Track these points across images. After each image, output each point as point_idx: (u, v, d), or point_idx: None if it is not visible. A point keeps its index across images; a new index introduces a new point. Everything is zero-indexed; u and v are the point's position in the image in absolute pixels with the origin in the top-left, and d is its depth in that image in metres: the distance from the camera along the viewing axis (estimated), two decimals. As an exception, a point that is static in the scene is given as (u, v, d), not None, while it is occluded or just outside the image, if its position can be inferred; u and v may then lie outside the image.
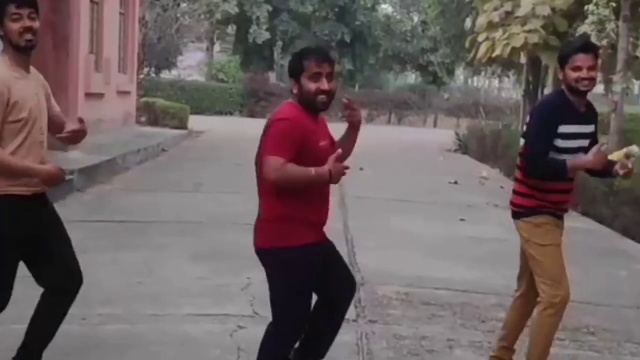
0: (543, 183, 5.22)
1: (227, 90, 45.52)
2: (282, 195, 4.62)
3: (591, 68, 4.93)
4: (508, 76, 42.08)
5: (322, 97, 4.42)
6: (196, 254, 9.25)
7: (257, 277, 8.09)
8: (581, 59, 4.91)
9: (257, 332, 6.55)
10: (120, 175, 16.02)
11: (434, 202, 14.57)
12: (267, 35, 48.44)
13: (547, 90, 25.59)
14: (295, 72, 4.46)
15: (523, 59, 25.13)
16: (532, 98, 26.77)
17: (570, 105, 5.06)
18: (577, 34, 21.02)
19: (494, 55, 22.77)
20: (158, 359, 5.94)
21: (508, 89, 49.95)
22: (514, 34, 21.27)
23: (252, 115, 43.14)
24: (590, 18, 19.51)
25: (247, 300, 7.43)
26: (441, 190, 16.37)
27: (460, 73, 52.87)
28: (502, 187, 17.61)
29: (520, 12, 20.79)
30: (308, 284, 4.76)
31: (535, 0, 19.52)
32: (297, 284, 4.72)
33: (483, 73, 46.46)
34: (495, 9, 21.91)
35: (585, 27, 20.25)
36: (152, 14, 29.07)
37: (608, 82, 23.17)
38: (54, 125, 4.99)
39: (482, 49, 22.88)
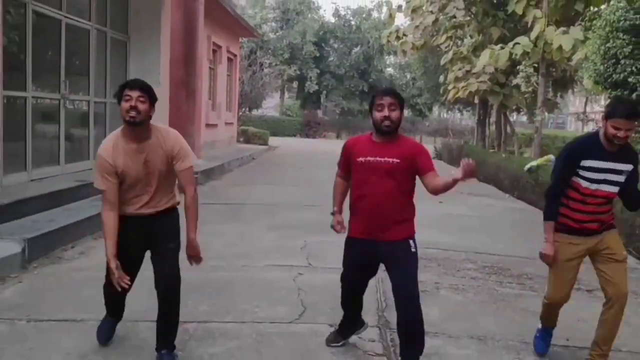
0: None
1: (292, 121, 45.30)
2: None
3: (628, 130, 3.92)
4: (468, 110, 41.32)
5: (386, 122, 3.82)
6: (271, 225, 8.81)
7: (311, 240, 7.79)
8: (622, 123, 3.90)
9: (311, 277, 6.26)
10: (226, 175, 15.59)
11: (420, 190, 13.84)
12: (316, 87, 47.96)
13: (492, 119, 25.07)
14: (370, 108, 3.92)
15: (477, 100, 24.45)
16: (482, 124, 26.37)
17: (599, 145, 4.06)
18: (512, 84, 20.58)
19: (457, 97, 22.34)
20: (247, 295, 5.52)
21: (467, 119, 49.11)
22: (470, 84, 20.78)
23: (307, 136, 43.30)
24: (520, 74, 19.30)
25: (304, 256, 7.02)
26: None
27: (436, 109, 51.95)
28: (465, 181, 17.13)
29: (474, 70, 20.28)
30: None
31: (485, 62, 18.95)
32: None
33: (451, 109, 45.87)
34: (459, 69, 21.43)
35: (517, 80, 19.88)
36: (246, 74, 28.77)
37: (532, 115, 22.74)
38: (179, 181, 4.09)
39: (451, 94, 22.35)
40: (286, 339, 4.51)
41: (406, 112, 55.79)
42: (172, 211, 4.16)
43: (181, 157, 3.94)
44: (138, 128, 3.83)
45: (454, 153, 23.88)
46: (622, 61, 12.38)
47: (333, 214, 4.24)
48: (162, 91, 12.57)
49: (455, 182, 3.64)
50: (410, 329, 3.88)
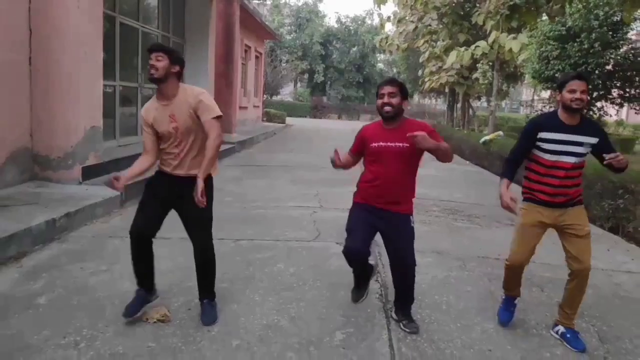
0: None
1: (303, 105, 45.23)
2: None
3: (583, 92, 3.46)
4: (440, 97, 41.37)
5: (386, 108, 3.44)
6: (292, 180, 9.43)
7: (322, 190, 8.47)
8: (576, 84, 3.46)
9: (323, 214, 6.85)
10: (256, 145, 16.19)
11: None
12: (322, 78, 47.96)
13: (459, 105, 25.37)
14: (376, 96, 3.56)
15: (447, 90, 24.63)
16: (451, 108, 26.50)
17: (557, 120, 3.54)
18: (473, 77, 20.88)
19: (432, 87, 22.56)
20: (278, 224, 6.20)
21: (440, 104, 48.98)
22: (442, 77, 21.00)
23: (314, 117, 43.21)
24: (479, 70, 19.52)
25: (317, 200, 7.66)
26: None
27: (416, 97, 51.94)
28: (435, 151, 17.65)
29: (445, 66, 20.45)
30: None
31: (453, 60, 19.21)
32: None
33: (427, 97, 45.78)
34: (434, 65, 21.63)
35: (477, 74, 20.15)
36: (269, 68, 29.12)
37: (488, 101, 22.92)
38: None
39: (427, 84, 22.56)
40: (307, 250, 5.23)
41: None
42: (206, 180, 3.50)
43: (204, 109, 3.37)
44: (163, 85, 3.38)
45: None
46: (552, 62, 12.96)
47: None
48: (209, 81, 13.18)
49: (429, 150, 3.37)
50: (408, 284, 3.65)
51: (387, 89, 3.46)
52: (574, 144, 3.53)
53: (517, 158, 3.70)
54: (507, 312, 3.85)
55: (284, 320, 3.62)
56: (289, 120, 30.09)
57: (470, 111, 24.00)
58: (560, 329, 3.66)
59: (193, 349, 3.16)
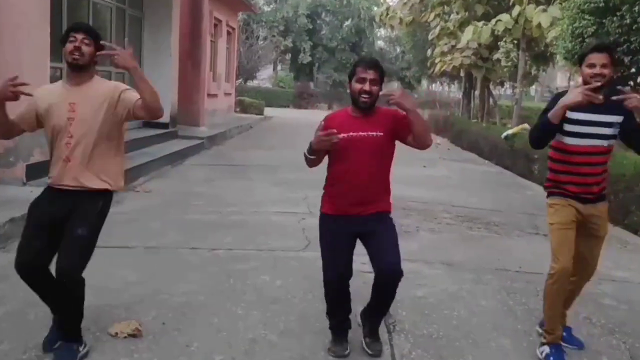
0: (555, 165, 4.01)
1: (285, 93, 45.53)
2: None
3: (604, 66, 3.64)
4: (454, 83, 41.94)
5: (364, 97, 3.61)
6: (275, 182, 9.84)
7: (311, 193, 8.76)
8: (595, 57, 3.66)
9: (313, 221, 7.10)
10: (229, 140, 16.59)
11: (409, 156, 14.61)
12: (309, 59, 48.33)
13: (477, 92, 25.85)
14: (350, 76, 3.72)
15: (462, 73, 25.01)
16: (467, 96, 26.96)
17: None
18: (494, 58, 21.32)
19: (443, 70, 22.98)
20: (261, 232, 6.60)
21: (454, 92, 49.50)
22: (455, 58, 21.40)
23: (299, 107, 43.31)
24: (501, 49, 19.85)
25: (305, 205, 8.02)
26: (412, 149, 16.40)
27: (424, 82, 52.44)
28: (448, 149, 18.09)
29: (459, 46, 20.82)
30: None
31: (469, 38, 19.63)
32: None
33: (438, 82, 46.29)
34: (445, 44, 22.04)
35: (498, 55, 20.54)
36: (244, 47, 29.49)
37: (513, 88, 23.33)
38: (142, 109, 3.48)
39: (437, 67, 22.98)
40: (296, 261, 5.61)
41: (395, 85, 56.55)
42: (100, 193, 3.54)
43: (131, 92, 3.53)
44: (82, 73, 3.50)
45: (440, 123, 24.81)
46: (587, 40, 13.38)
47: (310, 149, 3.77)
48: (172, 62, 13.54)
49: (405, 110, 3.53)
50: (386, 301, 3.81)
51: (371, 75, 3.61)
52: (602, 124, 3.76)
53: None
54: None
55: (272, 334, 3.99)
56: (267, 111, 30.39)
57: (491, 100, 24.46)
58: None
59: (171, 365, 3.52)
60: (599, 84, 3.67)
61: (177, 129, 13.80)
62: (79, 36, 3.46)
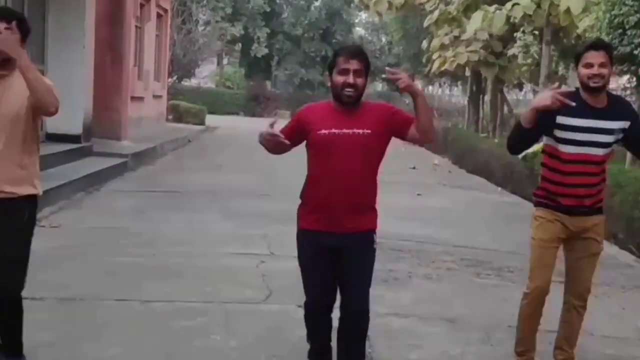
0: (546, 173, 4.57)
1: (233, 95, 45.74)
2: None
3: (602, 65, 4.17)
4: (456, 85, 42.41)
5: (348, 91, 3.98)
6: (225, 214, 10.04)
7: (272, 230, 8.98)
8: (592, 56, 4.20)
9: (275, 264, 7.40)
10: (161, 159, 16.81)
11: (400, 180, 14.66)
12: (265, 51, 48.65)
13: (487, 97, 26.20)
14: (329, 67, 4.10)
15: (468, 73, 25.44)
16: (474, 103, 27.25)
17: (580, 101, 4.27)
18: (509, 54, 21.65)
19: (444, 69, 23.33)
20: (209, 279, 6.80)
21: (457, 96, 49.92)
22: (459, 53, 21.65)
23: (253, 114, 43.19)
24: (519, 42, 20.10)
25: (265, 245, 8.25)
26: (404, 173, 16.68)
27: (418, 83, 52.93)
28: (450, 172, 18.46)
29: (464, 37, 21.04)
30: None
31: (477, 27, 19.82)
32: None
33: (437, 83, 46.70)
34: (446, 34, 22.32)
35: (515, 49, 20.84)
36: (179, 35, 29.62)
37: (534, 91, 23.59)
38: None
39: (436, 64, 23.22)
40: (256, 316, 5.80)
41: (379, 87, 57.03)
42: (22, 201, 4.02)
43: None
44: (6, 65, 3.94)
45: (439, 138, 25.06)
46: (629, 32, 13.70)
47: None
48: (87, 54, 13.67)
49: (415, 95, 4.03)
50: (356, 349, 4.27)
51: (355, 65, 4.01)
52: (601, 131, 4.29)
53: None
54: None
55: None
56: (211, 119, 30.40)
57: (505, 107, 24.71)
58: None
59: None
60: (573, 90, 4.36)
61: (92, 144, 13.95)
62: (1, 26, 3.83)
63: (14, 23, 3.85)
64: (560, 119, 4.26)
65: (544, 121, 4.28)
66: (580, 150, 4.30)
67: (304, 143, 4.25)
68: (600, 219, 4.55)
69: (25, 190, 3.99)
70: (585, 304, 4.70)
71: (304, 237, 4.28)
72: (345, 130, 4.01)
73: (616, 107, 4.33)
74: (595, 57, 4.22)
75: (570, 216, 4.42)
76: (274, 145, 4.11)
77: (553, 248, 4.51)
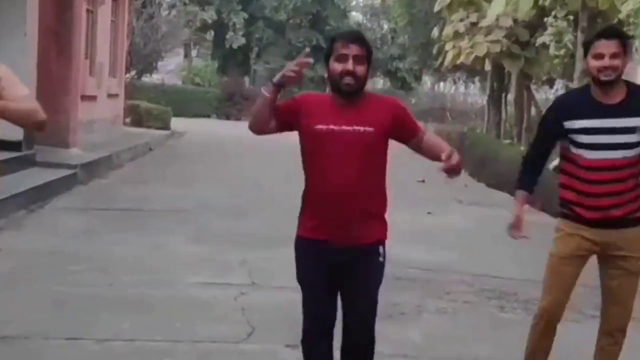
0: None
1: (204, 94, 45.73)
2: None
3: (614, 56, 4.30)
4: (473, 82, 42.55)
5: (347, 79, 4.14)
6: (194, 237, 10.03)
7: (252, 256, 9.03)
8: (602, 46, 4.33)
9: (258, 296, 7.43)
10: (116, 171, 16.78)
11: (405, 197, 14.53)
12: (243, 41, 48.72)
13: (510, 96, 26.23)
14: (325, 56, 4.31)
15: (488, 66, 25.53)
16: (496, 103, 27.40)
17: (591, 100, 4.51)
18: (537, 44, 21.76)
19: (459, 62, 23.46)
20: (177, 313, 6.81)
21: (474, 95, 50.02)
22: (478, 43, 21.86)
23: (227, 117, 43.63)
24: (550, 30, 20.26)
25: (245, 273, 8.26)
26: (411, 187, 16.88)
27: (427, 79, 53.15)
28: (466, 186, 18.47)
29: (484, 23, 21.24)
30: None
31: (499, 11, 19.92)
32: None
33: (450, 79, 46.82)
34: (462, 20, 22.45)
35: (545, 38, 20.97)
36: (139, 21, 29.65)
37: (567, 89, 23.67)
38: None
39: (449, 56, 23.33)
40: (236, 357, 5.83)
41: (380, 83, 57.18)
42: None
43: (6, 85, 4.13)
44: None
45: (452, 144, 25.09)
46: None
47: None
48: (29, 43, 13.67)
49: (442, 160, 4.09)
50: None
51: (354, 50, 4.19)
52: (621, 131, 4.46)
53: (536, 158, 4.84)
54: None
55: None
56: (177, 123, 30.33)
57: (533, 109, 24.81)
58: None
59: None
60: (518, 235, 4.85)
61: (35, 152, 13.98)
62: None
63: None
64: (568, 124, 4.50)
65: (552, 130, 4.66)
66: (599, 155, 4.49)
67: (298, 140, 4.37)
68: (637, 231, 4.66)
69: None
70: (624, 333, 4.86)
71: (300, 246, 4.41)
72: (345, 127, 4.15)
73: (636, 101, 4.47)
74: (606, 46, 4.35)
75: (596, 228, 4.59)
76: (286, 82, 4.22)
77: (571, 266, 4.72)
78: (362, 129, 4.14)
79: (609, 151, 4.45)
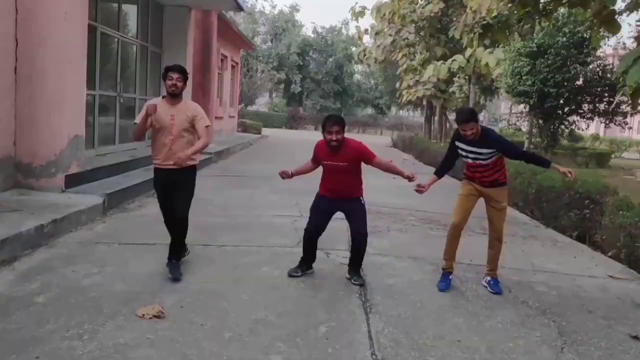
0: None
1: (279, 116, 45.80)
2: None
3: (472, 130, 4.63)
4: (417, 110, 42.15)
5: (333, 143, 4.58)
6: (272, 190, 9.80)
7: (301, 200, 8.80)
8: (463, 127, 4.67)
9: (303, 222, 7.08)
10: (232, 155, 16.59)
11: (381, 173, 14.46)
12: (299, 89, 48.63)
13: (436, 118, 26.00)
14: (323, 126, 4.66)
15: (424, 102, 25.33)
16: (428, 121, 27.26)
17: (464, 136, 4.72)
18: (450, 90, 21.54)
19: (409, 99, 23.20)
20: (262, 232, 6.64)
21: (418, 117, 49.61)
22: (419, 90, 21.70)
23: (291, 128, 43.87)
24: (456, 83, 20.19)
25: (297, 210, 8.03)
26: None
27: (394, 108, 52.61)
28: (413, 164, 18.11)
29: (422, 80, 21.17)
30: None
31: (430, 74, 19.87)
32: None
33: (405, 108, 46.51)
34: (411, 79, 22.32)
35: (454, 88, 20.82)
36: (245, 78, 29.56)
37: None
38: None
39: (404, 97, 23.25)
40: (290, 255, 5.59)
41: (369, 110, 56.78)
42: (190, 169, 4.84)
43: (199, 118, 4.69)
44: (176, 97, 4.67)
45: (406, 142, 24.97)
46: (524, 77, 13.72)
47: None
48: (186, 91, 13.49)
49: (401, 175, 4.74)
50: (360, 252, 4.84)
51: (335, 129, 4.55)
52: (476, 153, 4.80)
53: (446, 159, 5.13)
54: (444, 283, 4.97)
55: (272, 315, 4.03)
56: (264, 131, 30.50)
57: (447, 124, 24.70)
58: (487, 278, 5.05)
59: (189, 340, 3.54)
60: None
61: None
62: (175, 75, 4.68)
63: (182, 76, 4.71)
64: (458, 144, 4.89)
65: (452, 146, 4.96)
66: (469, 159, 4.89)
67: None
68: (498, 189, 4.92)
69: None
70: (500, 240, 5.03)
71: (318, 197, 4.91)
72: (332, 163, 4.70)
73: (480, 140, 4.73)
74: (466, 127, 4.67)
75: (479, 186, 4.93)
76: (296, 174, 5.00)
77: (468, 199, 4.94)
78: (342, 163, 4.67)
79: (474, 160, 4.83)
